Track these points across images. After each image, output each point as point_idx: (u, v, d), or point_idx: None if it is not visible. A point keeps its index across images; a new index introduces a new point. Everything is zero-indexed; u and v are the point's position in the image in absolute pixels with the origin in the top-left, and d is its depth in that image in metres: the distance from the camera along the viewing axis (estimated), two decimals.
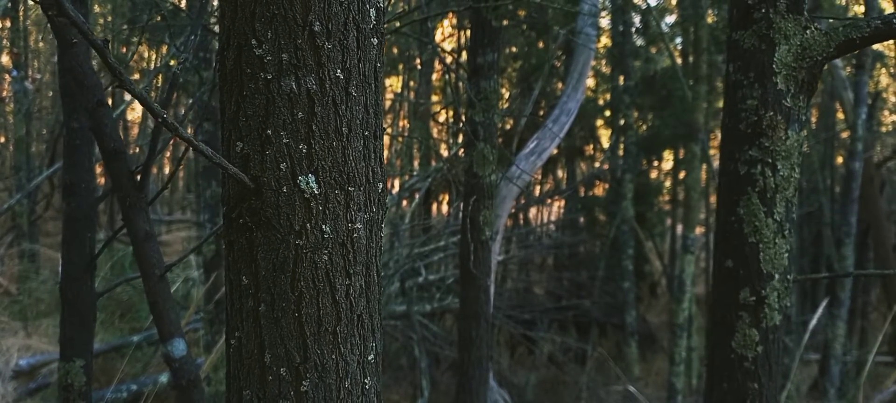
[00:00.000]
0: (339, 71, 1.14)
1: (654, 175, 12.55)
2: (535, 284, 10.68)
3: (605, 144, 12.42)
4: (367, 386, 1.21)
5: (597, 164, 11.40)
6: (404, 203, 9.03)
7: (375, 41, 1.18)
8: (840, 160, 12.39)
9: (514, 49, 10.18)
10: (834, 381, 7.13)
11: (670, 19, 12.07)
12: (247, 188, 1.13)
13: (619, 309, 9.33)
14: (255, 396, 1.17)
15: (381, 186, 1.21)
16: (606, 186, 11.24)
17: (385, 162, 1.25)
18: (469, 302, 4.19)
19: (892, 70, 12.84)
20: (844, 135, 12.33)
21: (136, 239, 1.94)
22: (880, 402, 6.95)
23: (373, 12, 1.17)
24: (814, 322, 5.84)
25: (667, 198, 13.02)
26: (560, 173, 13.44)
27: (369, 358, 1.21)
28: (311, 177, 1.13)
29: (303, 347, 1.15)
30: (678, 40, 11.37)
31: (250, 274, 1.16)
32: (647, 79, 9.52)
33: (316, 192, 1.13)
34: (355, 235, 1.17)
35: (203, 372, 4.86)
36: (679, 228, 13.16)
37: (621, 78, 9.81)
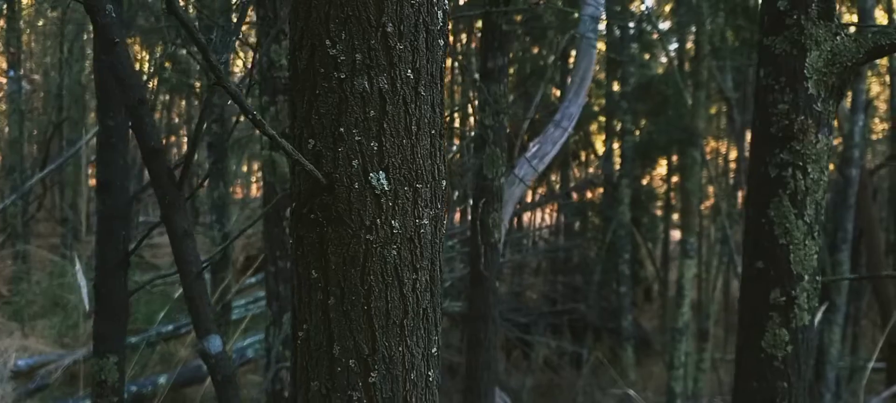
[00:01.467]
0: (409, 71, 1.17)
1: (645, 181, 12.62)
2: (529, 288, 10.73)
3: (600, 149, 12.50)
4: (430, 379, 1.24)
5: (591, 170, 11.48)
6: None
7: (441, 42, 1.22)
8: (831, 167, 12.50)
9: (510, 54, 10.22)
10: (830, 386, 7.20)
11: (663, 25, 12.15)
12: (319, 184, 1.16)
13: (614, 313, 9.38)
14: (324, 387, 1.20)
15: (444, 184, 1.24)
16: (601, 191, 11.31)
17: None
18: (478, 303, 4.22)
19: (883, 78, 12.97)
20: (836, 141, 12.45)
21: (175, 237, 1.97)
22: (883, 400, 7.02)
23: (440, 14, 1.20)
24: (816, 322, 5.88)
25: (660, 203, 13.11)
26: (553, 178, 13.51)
27: (433, 351, 1.24)
28: (382, 174, 1.16)
29: (371, 339, 1.18)
30: (672, 46, 11.46)
31: (320, 268, 1.19)
32: (642, 84, 9.59)
33: (386, 189, 1.16)
34: (422, 231, 1.20)
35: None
36: (672, 233, 13.27)
37: (615, 84, 9.88)
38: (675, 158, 10.86)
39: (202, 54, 0.92)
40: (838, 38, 1.85)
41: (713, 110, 12.32)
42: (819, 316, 6.43)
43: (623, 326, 8.57)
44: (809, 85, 1.86)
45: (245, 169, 17.29)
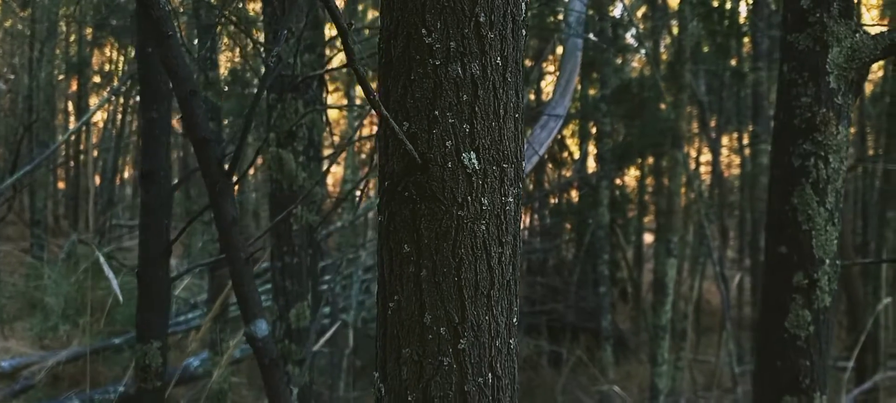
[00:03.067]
0: (498, 58, 1.25)
1: (618, 182, 12.82)
2: None
3: (575, 153, 12.67)
4: (511, 346, 1.33)
5: (567, 173, 11.63)
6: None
7: (523, 31, 1.30)
8: None
9: None
10: None
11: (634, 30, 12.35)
12: (414, 163, 1.24)
13: (591, 313, 9.52)
14: (415, 353, 1.28)
15: (524, 164, 1.33)
16: (577, 193, 11.47)
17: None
18: None
19: None
20: None
21: (224, 224, 2.03)
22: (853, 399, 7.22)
23: (523, 5, 1.29)
24: None
25: (631, 205, 13.32)
26: (529, 180, 13.65)
27: (513, 321, 1.33)
28: (473, 154, 1.24)
29: (461, 309, 1.26)
30: (642, 51, 11.65)
31: (412, 243, 1.27)
32: (620, 88, 9.76)
33: (477, 168, 1.25)
34: (507, 208, 1.29)
35: (219, 371, 4.90)
36: (645, 236, 13.48)
37: (591, 89, 10.04)
38: (649, 160, 11.05)
39: (342, 39, 0.99)
40: (857, 35, 1.97)
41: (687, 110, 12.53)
42: None
43: (602, 326, 8.71)
44: (831, 79, 1.98)
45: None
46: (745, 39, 10.06)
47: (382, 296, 1.33)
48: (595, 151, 9.75)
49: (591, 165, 10.70)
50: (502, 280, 1.29)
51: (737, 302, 11.27)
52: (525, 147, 5.78)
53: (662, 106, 9.62)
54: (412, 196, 1.26)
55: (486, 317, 1.28)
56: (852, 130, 12.95)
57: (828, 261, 2.00)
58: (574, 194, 11.47)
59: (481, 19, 1.23)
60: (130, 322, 7.88)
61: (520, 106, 1.31)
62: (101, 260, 2.65)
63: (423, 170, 1.25)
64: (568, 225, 10.54)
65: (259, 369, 2.11)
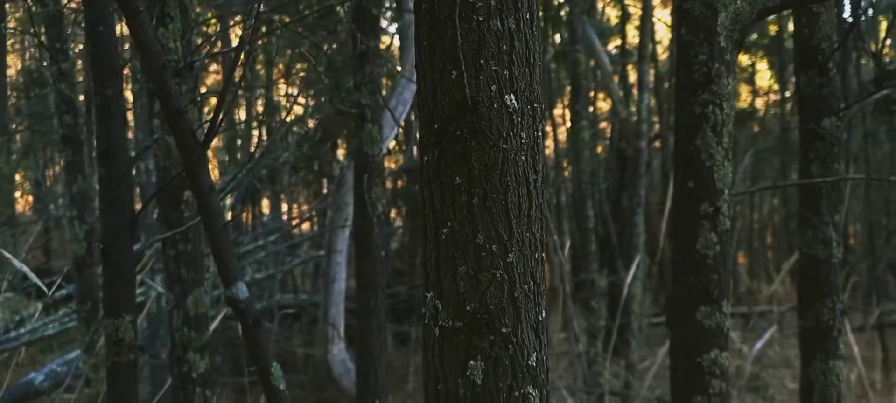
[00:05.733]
0: (527, 14, 1.49)
1: None
2: (350, 277, 11.00)
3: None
4: (542, 257, 1.57)
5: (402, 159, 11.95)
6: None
7: None
8: (600, 149, 13.93)
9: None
10: (635, 334, 8.17)
11: None
12: (464, 105, 1.46)
13: None
14: (470, 269, 1.49)
15: (542, 107, 1.58)
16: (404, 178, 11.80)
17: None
18: (366, 274, 4.50)
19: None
20: (603, 124, 13.87)
21: (201, 192, 2.12)
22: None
23: None
24: (629, 281, 6.75)
25: None
26: None
27: (543, 236, 1.57)
28: (513, 96, 1.48)
29: (509, 228, 1.49)
30: None
31: (464, 175, 1.48)
32: None
33: (516, 107, 1.48)
34: (538, 141, 1.53)
35: (84, 371, 4.77)
36: None
37: None
38: None
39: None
40: (739, 1, 2.38)
41: None
42: (631, 274, 7.32)
43: None
44: (721, 39, 2.37)
45: None
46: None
47: (433, 226, 1.53)
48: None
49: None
50: (537, 202, 1.53)
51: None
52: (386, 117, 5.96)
53: None
54: (464, 134, 1.47)
55: (527, 234, 1.52)
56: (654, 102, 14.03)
57: (726, 191, 2.40)
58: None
59: None
60: None
61: (540, 55, 1.55)
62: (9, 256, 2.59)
63: (472, 111, 1.46)
64: (401, 209, 10.86)
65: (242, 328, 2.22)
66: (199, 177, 2.12)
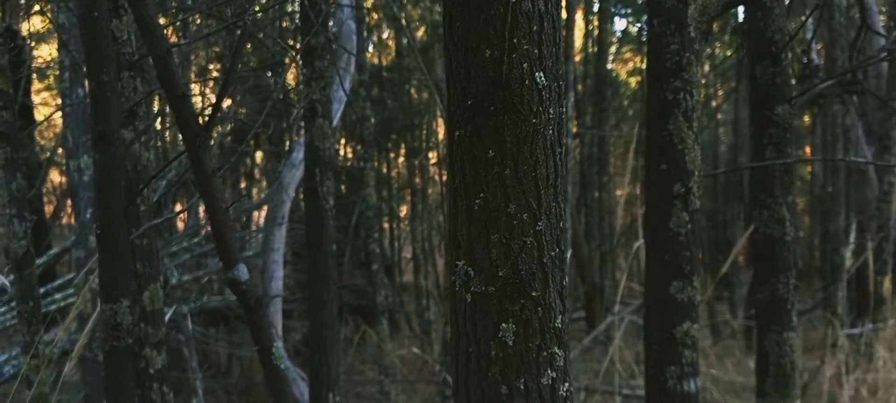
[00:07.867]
0: None
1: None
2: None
3: None
4: (565, 225, 1.67)
5: None
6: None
7: None
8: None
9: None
10: None
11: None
12: (498, 82, 1.55)
13: (363, 292, 9.93)
14: (503, 237, 1.58)
15: (563, 84, 1.68)
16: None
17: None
18: (319, 267, 4.53)
19: None
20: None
21: (203, 175, 2.14)
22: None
23: None
24: None
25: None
26: None
27: (565, 206, 1.68)
28: (542, 74, 1.57)
29: (538, 197, 1.59)
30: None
31: (496, 148, 1.57)
32: (372, 74, 10.22)
33: (545, 84, 1.58)
34: (562, 116, 1.63)
35: (23, 373, 4.65)
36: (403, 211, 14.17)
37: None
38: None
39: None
40: None
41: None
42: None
43: (377, 302, 9.13)
44: (691, 30, 2.53)
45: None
46: None
47: (465, 197, 1.61)
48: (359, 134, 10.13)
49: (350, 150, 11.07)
50: (562, 173, 1.64)
51: None
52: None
53: (413, 91, 10.25)
54: (497, 109, 1.56)
55: (554, 203, 1.62)
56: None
57: (696, 173, 2.56)
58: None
59: None
60: None
61: (562, 35, 1.65)
62: None
63: (505, 87, 1.55)
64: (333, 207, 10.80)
65: (243, 309, 2.25)
66: (202, 162, 2.15)
